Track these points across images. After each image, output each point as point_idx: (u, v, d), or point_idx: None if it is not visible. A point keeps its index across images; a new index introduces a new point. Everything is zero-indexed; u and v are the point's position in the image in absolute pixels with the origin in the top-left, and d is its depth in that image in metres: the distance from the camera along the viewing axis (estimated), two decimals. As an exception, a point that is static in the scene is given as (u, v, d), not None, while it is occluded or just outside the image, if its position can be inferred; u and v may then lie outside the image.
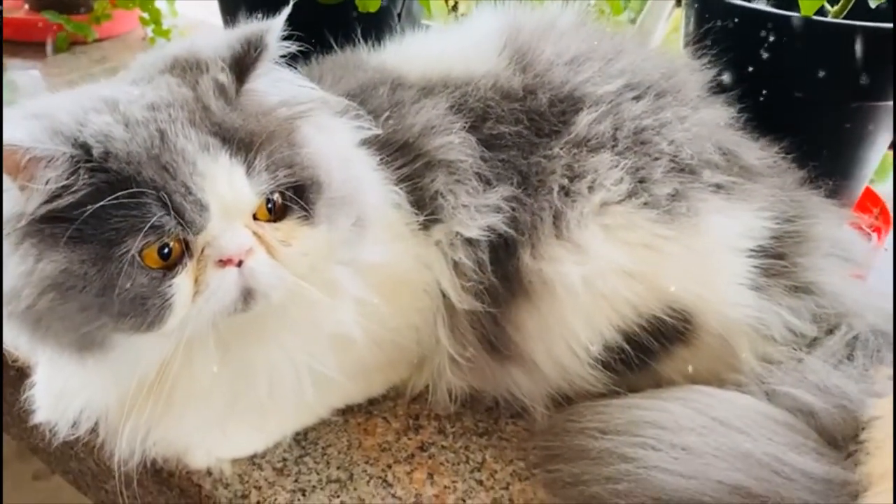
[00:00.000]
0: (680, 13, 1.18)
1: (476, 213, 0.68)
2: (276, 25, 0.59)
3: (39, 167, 0.51)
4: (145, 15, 1.57)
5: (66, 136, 0.53)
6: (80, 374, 0.61)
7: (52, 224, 0.53)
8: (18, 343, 0.64)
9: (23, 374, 0.77)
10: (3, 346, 0.81)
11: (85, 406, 0.65)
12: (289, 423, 0.70)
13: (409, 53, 0.81)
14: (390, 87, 0.74)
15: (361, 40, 0.85)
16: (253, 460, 0.67)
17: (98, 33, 1.60)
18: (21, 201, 0.53)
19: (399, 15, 1.10)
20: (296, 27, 0.61)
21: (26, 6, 1.67)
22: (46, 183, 0.51)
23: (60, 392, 0.67)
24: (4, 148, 0.51)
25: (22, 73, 1.51)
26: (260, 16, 0.62)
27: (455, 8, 1.06)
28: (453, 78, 0.74)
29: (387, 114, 0.71)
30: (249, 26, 0.60)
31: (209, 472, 0.66)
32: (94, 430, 0.66)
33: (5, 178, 0.53)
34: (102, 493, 0.79)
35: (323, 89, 0.69)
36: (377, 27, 1.06)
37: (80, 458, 0.77)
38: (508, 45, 0.75)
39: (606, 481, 0.59)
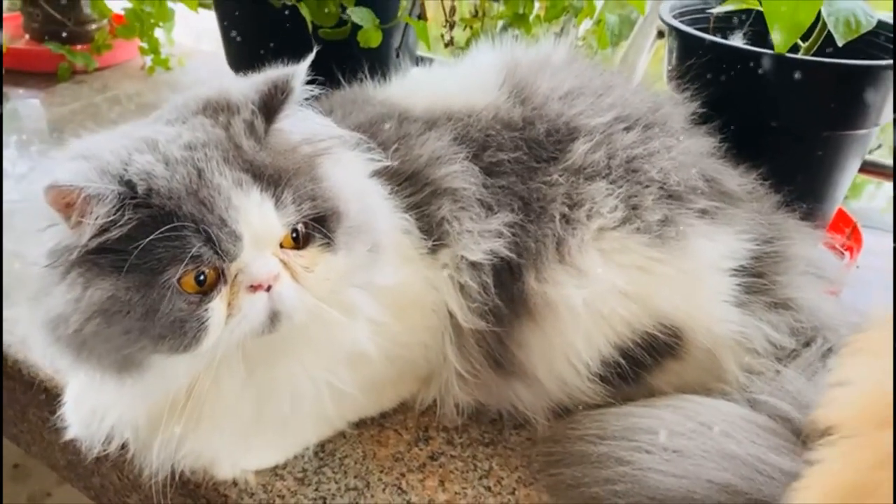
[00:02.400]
0: (662, 45, 1.25)
1: (479, 237, 0.71)
2: (300, 71, 0.63)
3: (91, 204, 0.55)
4: (144, 45, 1.61)
5: (112, 175, 0.56)
6: (114, 392, 0.64)
7: (100, 255, 0.56)
8: (60, 365, 0.68)
9: (50, 394, 0.80)
10: (4, 355, 0.85)
11: (117, 422, 0.68)
12: (308, 436, 0.73)
13: (413, 88, 0.84)
14: (397, 121, 0.77)
15: (365, 73, 0.89)
16: (275, 471, 0.71)
17: (98, 62, 1.63)
18: (71, 236, 0.56)
19: (398, 49, 1.16)
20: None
21: (27, 36, 1.70)
22: (96, 218, 0.55)
23: (93, 410, 0.70)
24: (60, 189, 0.54)
25: (22, 101, 1.55)
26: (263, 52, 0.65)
27: (451, 42, 1.11)
28: (456, 111, 0.77)
29: (395, 146, 0.74)
30: (276, 71, 0.64)
31: (235, 483, 0.69)
32: (121, 446, 0.69)
33: (55, 214, 0.56)
34: (124, 507, 0.82)
35: (333, 123, 0.72)
36: (379, 60, 1.11)
37: (102, 474, 0.80)
38: (508, 80, 0.79)
39: (605, 483, 0.64)
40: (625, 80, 0.87)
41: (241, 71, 1.29)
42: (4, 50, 1.54)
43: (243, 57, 1.26)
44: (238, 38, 1.22)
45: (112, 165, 0.57)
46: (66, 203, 0.55)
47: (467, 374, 0.73)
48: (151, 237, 0.55)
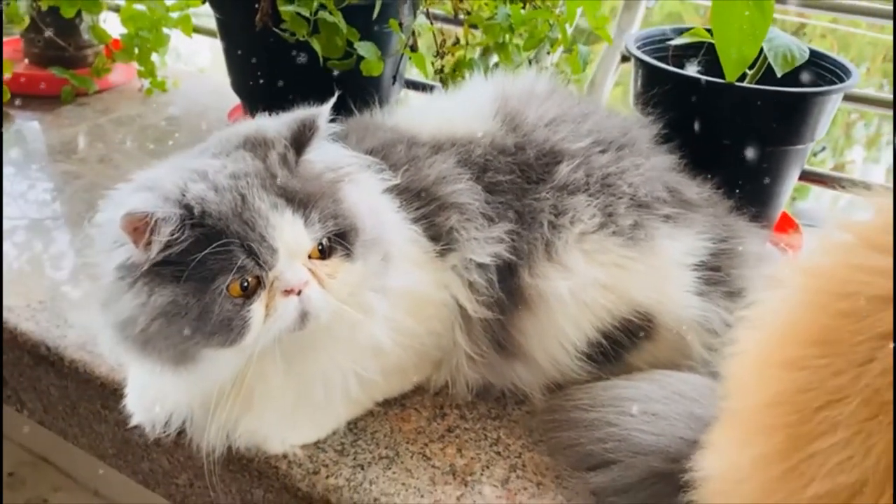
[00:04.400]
0: (625, 67, 1.39)
1: (484, 243, 0.81)
2: (325, 111, 0.73)
3: (160, 225, 0.64)
4: (142, 68, 1.69)
5: (174, 200, 0.66)
6: (172, 381, 0.73)
7: (163, 267, 0.66)
8: (125, 360, 0.79)
9: (106, 389, 0.90)
10: (60, 356, 0.95)
11: (174, 408, 0.79)
12: (343, 415, 0.84)
13: (418, 117, 0.96)
14: (407, 145, 0.86)
15: (369, 97, 1.00)
16: (317, 445, 0.81)
17: (98, 85, 1.69)
18: (139, 254, 0.67)
19: (394, 76, 1.29)
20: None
21: (26, 61, 1.74)
22: (163, 237, 0.64)
23: (153, 398, 0.80)
24: (135, 215, 0.64)
25: (25, 124, 1.62)
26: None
27: (442, 70, 1.24)
28: (458, 137, 0.87)
29: (405, 167, 0.83)
30: (304, 111, 0.75)
31: (285, 456, 0.80)
32: (177, 431, 0.80)
33: (123, 236, 0.65)
34: (173, 487, 0.91)
35: (349, 145, 0.82)
36: (378, 86, 1.24)
37: (152, 459, 0.90)
38: (500, 111, 0.91)
39: (597, 442, 0.75)
40: (598, 107, 1.00)
41: (245, 94, 1.41)
42: (10, 75, 1.61)
43: (248, 82, 1.36)
44: (245, 66, 1.32)
45: (173, 193, 0.67)
46: (135, 228, 0.65)
47: (475, 356, 0.83)
48: (205, 252, 0.65)
